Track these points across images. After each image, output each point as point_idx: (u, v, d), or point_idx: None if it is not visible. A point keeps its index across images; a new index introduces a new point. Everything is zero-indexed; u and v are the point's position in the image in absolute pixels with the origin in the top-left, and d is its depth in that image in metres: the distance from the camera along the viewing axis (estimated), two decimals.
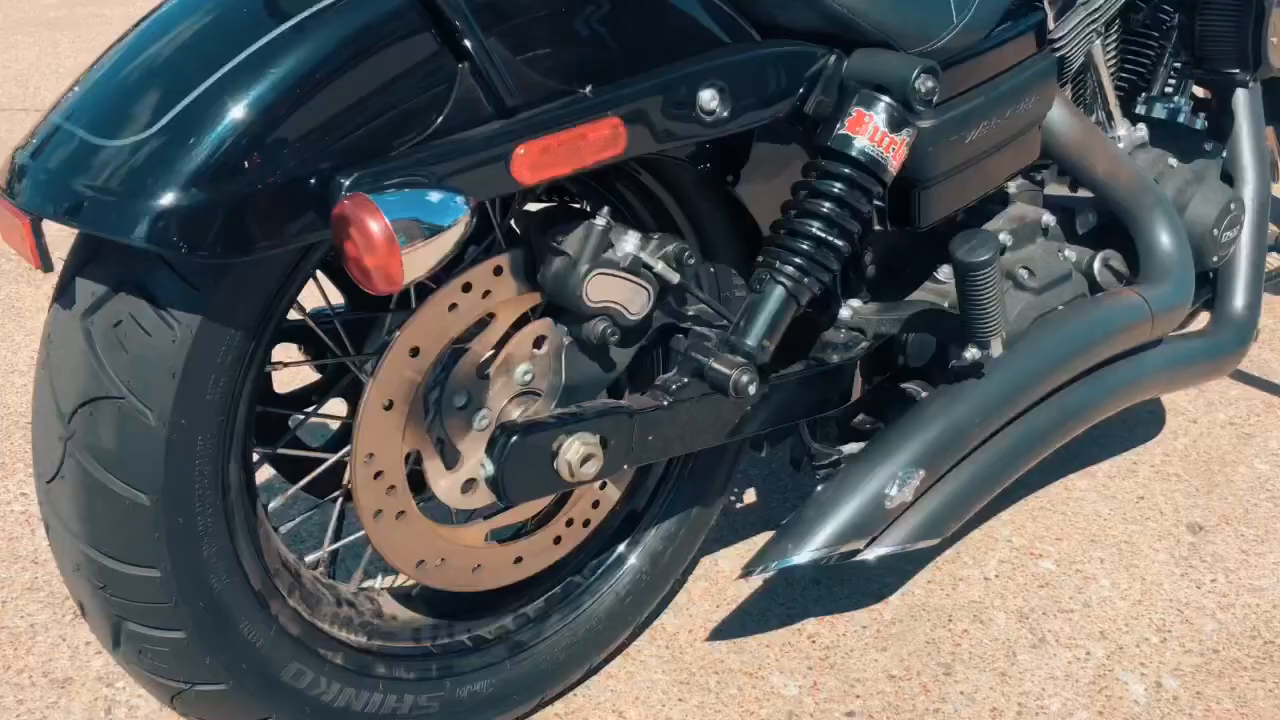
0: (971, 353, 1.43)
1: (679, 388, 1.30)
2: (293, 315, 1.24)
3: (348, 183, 0.99)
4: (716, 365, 1.27)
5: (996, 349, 1.43)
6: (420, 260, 0.99)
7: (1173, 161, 1.75)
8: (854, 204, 1.27)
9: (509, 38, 1.08)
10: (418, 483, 1.30)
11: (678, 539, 1.55)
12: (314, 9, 1.04)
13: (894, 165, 1.28)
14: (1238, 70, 1.75)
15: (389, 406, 1.22)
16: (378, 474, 1.23)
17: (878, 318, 1.51)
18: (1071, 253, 1.64)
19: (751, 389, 1.25)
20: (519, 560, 1.41)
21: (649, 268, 1.24)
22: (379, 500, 1.24)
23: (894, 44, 1.32)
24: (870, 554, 1.41)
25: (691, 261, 1.27)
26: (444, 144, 1.06)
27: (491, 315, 1.26)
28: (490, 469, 1.20)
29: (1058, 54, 1.55)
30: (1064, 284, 1.60)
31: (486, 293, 1.24)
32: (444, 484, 1.29)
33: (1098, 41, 1.66)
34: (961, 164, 1.43)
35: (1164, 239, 1.64)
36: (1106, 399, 1.63)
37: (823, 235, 1.26)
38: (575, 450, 1.21)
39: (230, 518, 1.17)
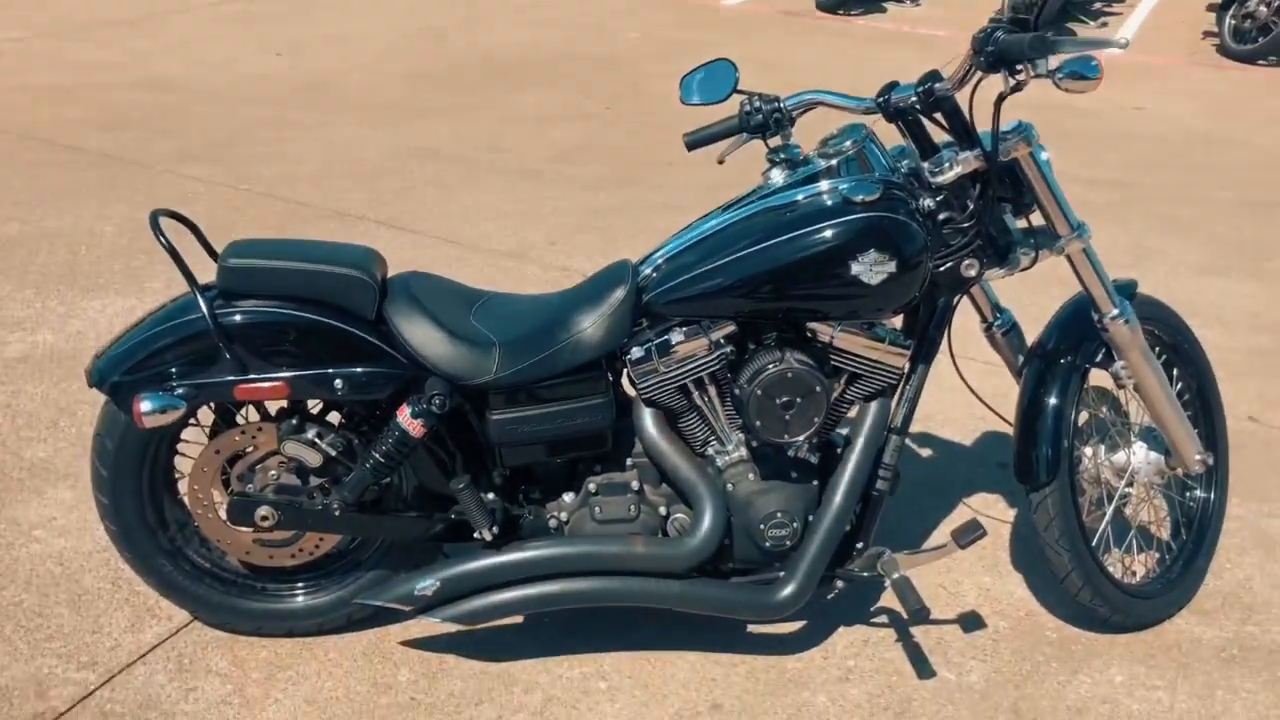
0: (475, 536, 2.37)
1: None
2: None
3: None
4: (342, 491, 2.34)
5: (485, 535, 2.35)
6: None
7: (751, 475, 2.37)
8: (394, 450, 2.28)
9: None
10: None
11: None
12: None
13: (415, 435, 2.26)
14: (778, 437, 2.28)
15: None
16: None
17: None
18: (658, 506, 2.40)
19: (334, 509, 2.34)
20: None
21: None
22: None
23: (450, 378, 2.25)
24: (416, 619, 2.40)
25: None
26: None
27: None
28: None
29: (644, 397, 2.31)
30: (621, 524, 2.38)
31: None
32: None
33: (695, 390, 2.32)
34: (523, 440, 2.33)
35: (700, 518, 2.32)
36: (624, 593, 2.34)
37: (381, 461, 2.28)
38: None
39: None
